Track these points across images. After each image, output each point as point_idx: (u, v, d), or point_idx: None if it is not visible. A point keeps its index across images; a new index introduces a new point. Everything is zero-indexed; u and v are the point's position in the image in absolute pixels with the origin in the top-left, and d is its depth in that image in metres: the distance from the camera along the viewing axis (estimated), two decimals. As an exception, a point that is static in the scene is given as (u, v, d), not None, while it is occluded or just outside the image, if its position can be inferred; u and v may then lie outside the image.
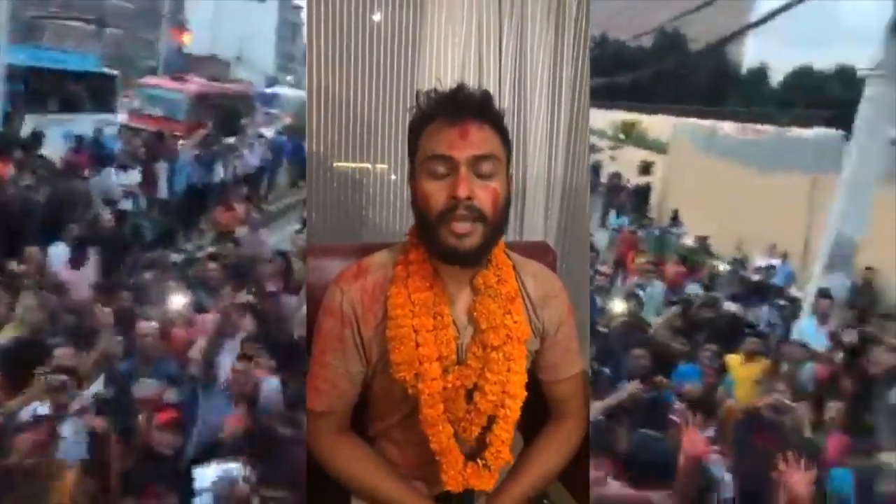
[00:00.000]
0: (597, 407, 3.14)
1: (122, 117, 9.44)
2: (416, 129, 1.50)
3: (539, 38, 3.19)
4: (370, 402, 1.67)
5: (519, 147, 3.18)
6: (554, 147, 3.30)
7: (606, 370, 3.73)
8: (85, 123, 7.91)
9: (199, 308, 3.87)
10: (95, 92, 9.15)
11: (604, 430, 2.97)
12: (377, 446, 1.66)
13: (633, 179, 12.74)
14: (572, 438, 1.70)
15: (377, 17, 3.11)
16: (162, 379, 3.05)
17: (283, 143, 9.73)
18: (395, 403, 1.58)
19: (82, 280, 4.18)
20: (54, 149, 6.73)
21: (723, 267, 6.54)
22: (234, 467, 2.56)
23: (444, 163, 1.41)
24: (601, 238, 8.52)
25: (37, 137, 6.73)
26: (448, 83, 1.50)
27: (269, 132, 10.44)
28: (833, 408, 3.47)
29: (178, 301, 3.75)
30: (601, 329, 4.38)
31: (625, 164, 13.99)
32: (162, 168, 6.84)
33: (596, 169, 13.06)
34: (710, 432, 3.12)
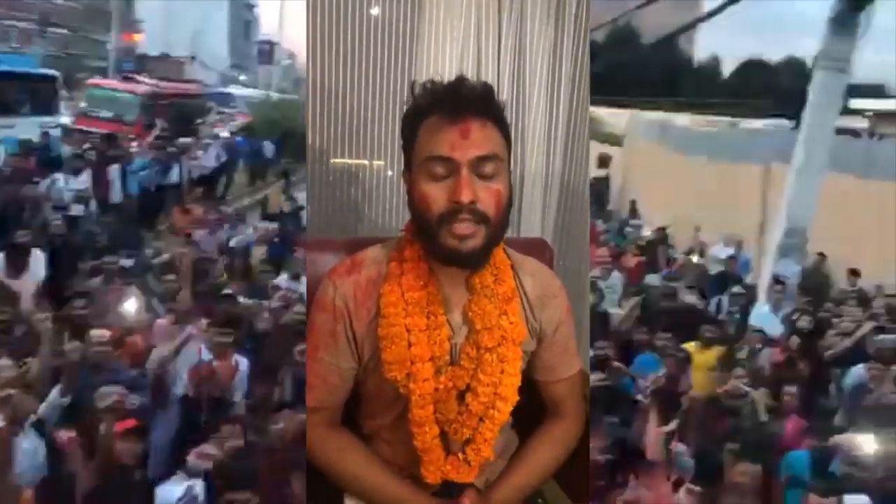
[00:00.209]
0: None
1: (68, 120, 9.17)
2: (412, 122, 1.41)
3: (538, 33, 3.16)
4: (363, 400, 1.63)
5: (517, 143, 3.11)
6: (552, 143, 3.26)
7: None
8: (26, 127, 7.65)
9: (155, 314, 3.79)
10: (35, 94, 8.83)
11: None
12: (371, 445, 1.62)
13: (592, 173, 12.81)
14: (568, 438, 1.67)
15: (375, 11, 3.07)
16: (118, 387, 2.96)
17: (240, 143, 9.55)
18: (388, 402, 1.55)
19: (25, 289, 4.05)
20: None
21: (680, 257, 6.63)
22: (197, 483, 2.52)
23: (444, 164, 1.34)
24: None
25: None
26: (446, 78, 1.41)
27: (224, 132, 10.26)
28: (789, 392, 3.57)
29: (132, 307, 3.67)
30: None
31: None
32: (114, 171, 6.65)
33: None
34: (673, 426, 3.19)
